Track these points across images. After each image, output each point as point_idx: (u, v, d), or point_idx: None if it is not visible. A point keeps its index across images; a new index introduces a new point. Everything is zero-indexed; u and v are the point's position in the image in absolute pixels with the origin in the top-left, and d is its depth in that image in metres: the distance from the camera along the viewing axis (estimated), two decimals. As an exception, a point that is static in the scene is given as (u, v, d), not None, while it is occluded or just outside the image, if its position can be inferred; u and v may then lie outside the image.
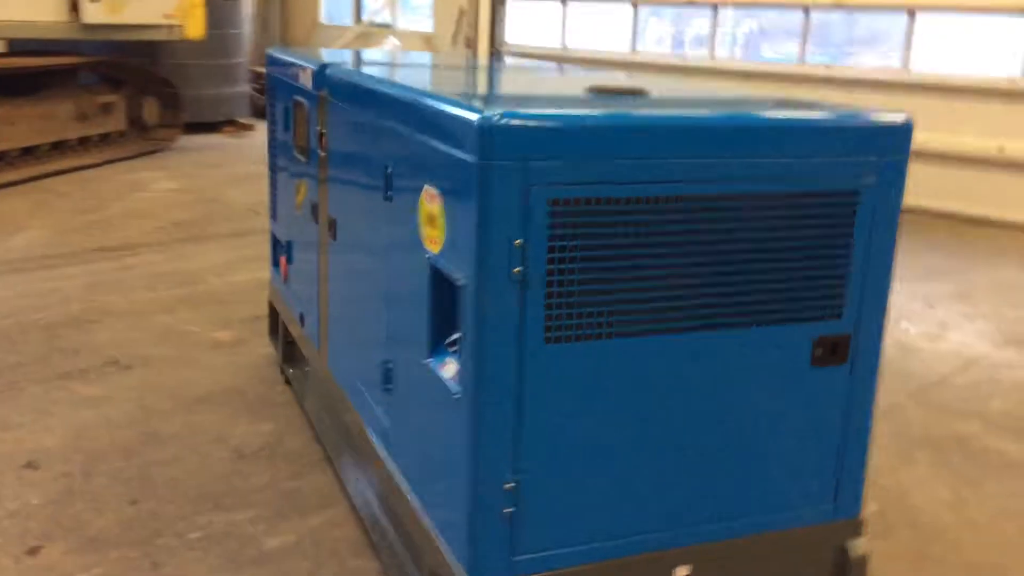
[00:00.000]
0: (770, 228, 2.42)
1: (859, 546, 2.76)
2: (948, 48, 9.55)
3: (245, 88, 13.42)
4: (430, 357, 2.53)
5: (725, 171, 2.32)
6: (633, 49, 11.44)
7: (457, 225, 2.29)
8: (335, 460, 3.69)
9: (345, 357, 3.42)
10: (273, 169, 4.54)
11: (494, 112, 2.13)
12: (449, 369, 2.44)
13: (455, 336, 2.41)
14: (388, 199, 2.78)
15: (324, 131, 3.50)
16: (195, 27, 10.45)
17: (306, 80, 3.71)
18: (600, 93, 2.75)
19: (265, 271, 6.43)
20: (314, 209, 3.73)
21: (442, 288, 2.46)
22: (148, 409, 4.25)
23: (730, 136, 2.33)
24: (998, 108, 8.90)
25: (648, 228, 2.29)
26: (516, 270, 2.20)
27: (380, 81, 2.89)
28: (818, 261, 2.50)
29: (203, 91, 12.25)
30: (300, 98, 3.83)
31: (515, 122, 2.14)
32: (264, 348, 5.00)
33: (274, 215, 4.62)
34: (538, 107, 2.25)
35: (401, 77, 3.04)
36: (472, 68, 3.94)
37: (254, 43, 14.61)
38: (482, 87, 2.94)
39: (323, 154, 3.53)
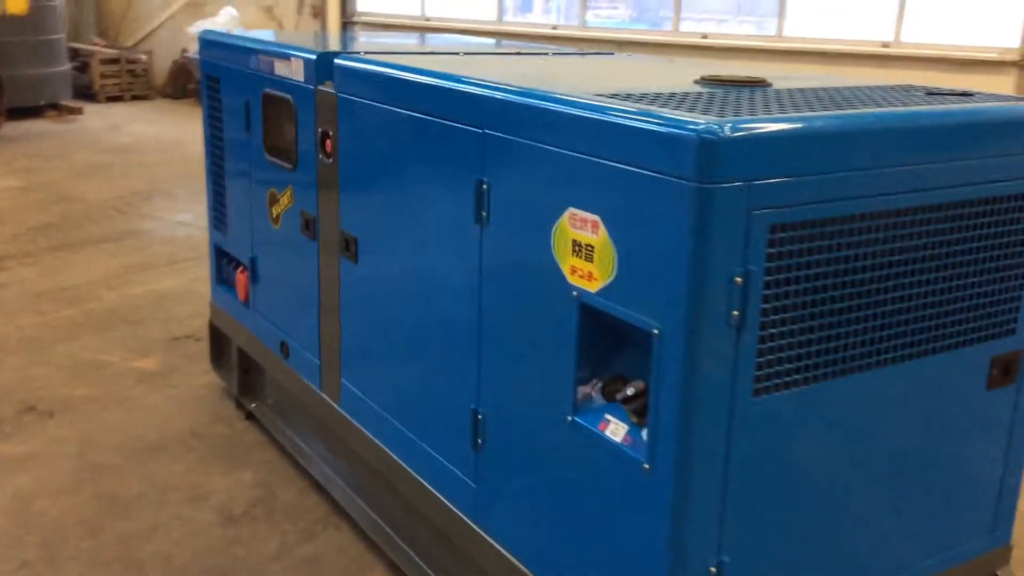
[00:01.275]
0: (965, 239, 2.12)
1: (1010, 573, 2.53)
2: (822, 14, 9.63)
3: (67, 67, 12.15)
4: (576, 414, 2.09)
5: (936, 177, 2.00)
6: (500, 18, 11.02)
7: (643, 260, 1.86)
8: (358, 515, 3.17)
9: (381, 400, 2.90)
10: (218, 173, 3.91)
11: (717, 123, 1.71)
12: (617, 431, 2.01)
13: (629, 392, 1.98)
14: (482, 221, 2.30)
15: (331, 133, 2.95)
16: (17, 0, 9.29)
17: (293, 71, 3.13)
18: (721, 84, 2.36)
19: (163, 282, 5.73)
20: (309, 224, 3.17)
21: (598, 332, 2.03)
22: (94, 466, 3.58)
23: (950, 136, 2.01)
24: (871, 72, 9.04)
25: (865, 248, 1.94)
26: (735, 313, 1.80)
27: (464, 80, 2.37)
28: (1000, 272, 2.22)
29: (22, 72, 10.96)
30: (279, 92, 3.24)
31: (742, 134, 1.72)
32: (203, 377, 4.36)
33: (219, 226, 3.98)
34: (756, 114, 1.84)
35: (460, 69, 2.53)
36: (522, 57, 3.43)
37: (67, 17, 13.27)
38: (590, 85, 2.49)
39: (328, 160, 2.98)
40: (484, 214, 2.29)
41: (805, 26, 9.57)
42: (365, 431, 3.00)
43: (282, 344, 3.50)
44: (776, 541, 2.03)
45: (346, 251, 2.96)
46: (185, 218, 7.25)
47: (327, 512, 3.30)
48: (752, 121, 1.78)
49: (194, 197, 7.94)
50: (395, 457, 2.84)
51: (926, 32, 8.94)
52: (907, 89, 2.40)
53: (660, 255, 1.81)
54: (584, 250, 2.00)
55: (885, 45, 9.04)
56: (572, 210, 2.02)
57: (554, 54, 3.43)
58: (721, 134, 1.70)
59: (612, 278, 1.94)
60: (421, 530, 2.84)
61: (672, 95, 2.14)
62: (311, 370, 3.30)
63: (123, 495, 3.38)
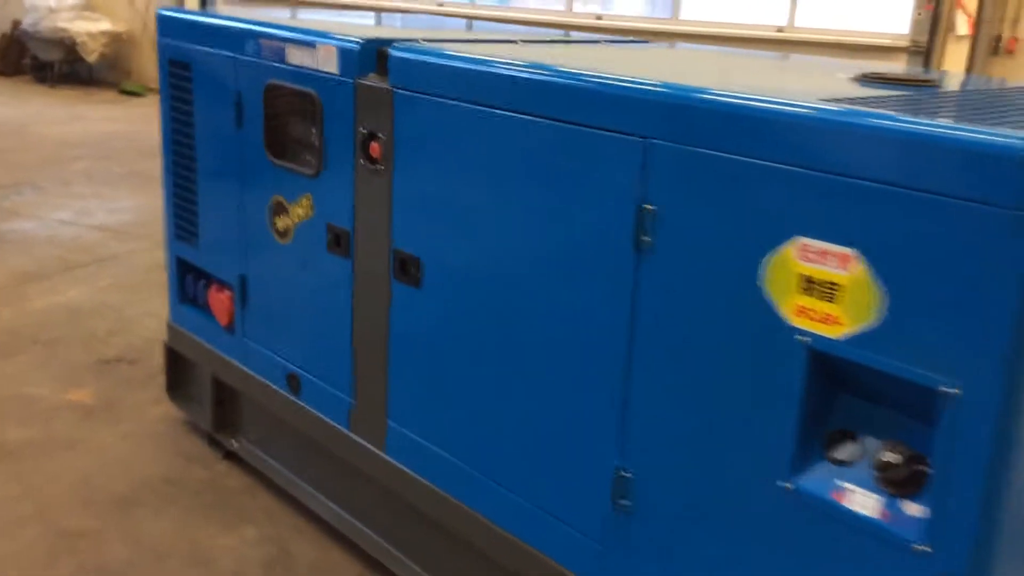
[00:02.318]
0: None
1: None
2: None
3: None
4: (797, 480, 1.77)
5: None
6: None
7: (932, 304, 1.55)
8: (406, 571, 2.75)
9: (453, 448, 2.49)
10: (184, 176, 3.34)
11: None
12: (866, 503, 1.70)
13: (889, 458, 1.67)
14: (643, 248, 1.93)
15: (382, 135, 2.50)
16: None
17: (320, 61, 2.64)
18: (897, 84, 2.07)
19: (66, 293, 5.05)
20: (340, 240, 2.70)
21: (829, 384, 1.71)
22: (63, 531, 2.99)
23: None
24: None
25: None
26: (1047, 365, 1.51)
27: (620, 80, 1.97)
28: None
29: None
30: (294, 85, 2.75)
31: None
32: (153, 408, 3.79)
33: (184, 236, 3.42)
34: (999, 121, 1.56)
35: (573, 63, 2.13)
36: (588, 46, 3.01)
37: None
38: (772, 85, 2.15)
39: (376, 167, 2.53)
40: (646, 240, 1.93)
41: (700, 9, 9.50)
42: (424, 480, 2.58)
43: (290, 377, 3.01)
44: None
45: (403, 273, 2.52)
46: (66, 215, 6.46)
47: (361, 571, 2.86)
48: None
49: (66, 190, 7.14)
50: (472, 510, 2.44)
51: (818, 18, 9.00)
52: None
53: (964, 299, 1.51)
54: (821, 288, 1.67)
55: (780, 29, 9.07)
56: (803, 240, 1.69)
57: (607, 42, 3.07)
58: (1057, 153, 1.40)
59: (871, 324, 1.62)
60: (510, 596, 2.46)
61: (886, 99, 1.84)
62: (337, 409, 2.84)
63: (111, 565, 2.83)
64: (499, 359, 2.32)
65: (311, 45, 2.67)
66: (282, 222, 2.92)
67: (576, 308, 2.11)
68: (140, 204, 6.86)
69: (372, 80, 2.52)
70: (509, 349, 2.29)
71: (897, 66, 2.41)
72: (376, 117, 2.51)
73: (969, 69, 8.44)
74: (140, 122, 9.93)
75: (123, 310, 4.82)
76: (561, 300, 2.14)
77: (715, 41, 9.11)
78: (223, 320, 3.27)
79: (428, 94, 2.36)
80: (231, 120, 3.03)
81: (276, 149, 2.89)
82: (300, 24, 2.84)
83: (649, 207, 1.91)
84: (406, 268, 2.51)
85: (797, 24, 9.02)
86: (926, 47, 8.44)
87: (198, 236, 3.34)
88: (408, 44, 2.46)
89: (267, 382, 3.12)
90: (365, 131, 2.55)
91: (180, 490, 3.24)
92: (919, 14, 8.52)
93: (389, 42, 2.53)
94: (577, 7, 9.94)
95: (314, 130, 2.73)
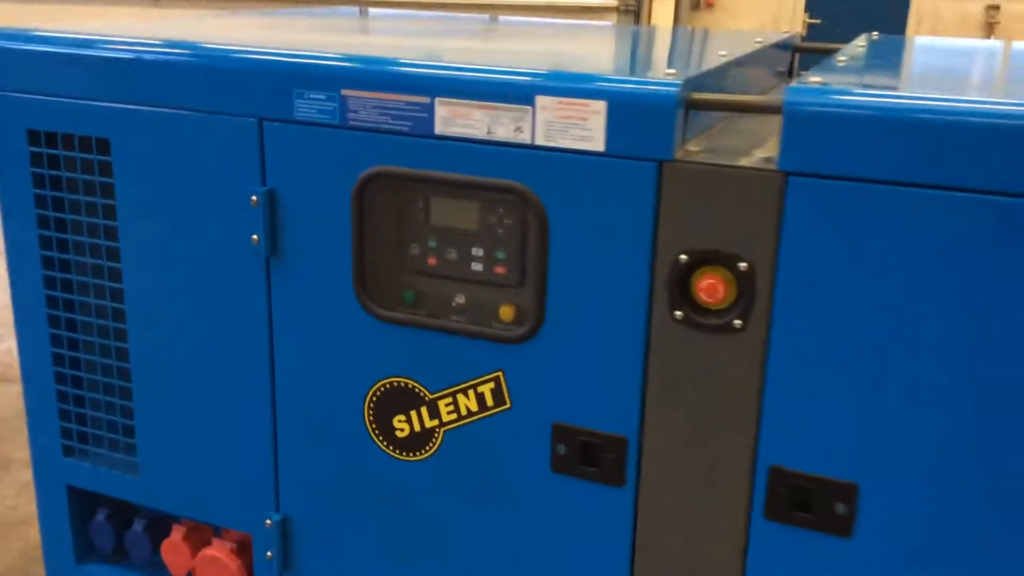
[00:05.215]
0: None
1: None
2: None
3: None
4: None
5: None
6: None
7: None
8: None
9: None
10: (90, 346, 1.78)
11: None
12: None
13: None
14: None
15: (750, 266, 1.29)
16: None
17: (552, 129, 1.33)
18: None
19: None
20: (593, 453, 1.44)
21: None
22: None
23: None
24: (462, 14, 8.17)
25: None
26: None
27: None
28: None
29: None
30: (463, 176, 1.41)
31: None
32: None
33: (91, 454, 1.85)
34: None
35: None
36: None
37: None
38: None
39: (732, 321, 1.32)
40: None
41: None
42: None
43: None
44: None
45: (800, 509, 1.35)
46: None
47: None
48: None
49: None
50: None
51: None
52: None
53: None
54: None
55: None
56: None
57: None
58: None
59: None
60: None
61: None
62: None
63: None
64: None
65: (519, 96, 1.34)
66: (409, 424, 1.55)
67: None
68: None
69: (710, 159, 1.28)
70: None
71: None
72: (722, 230, 1.29)
73: (676, 24, 8.24)
74: None
75: None
76: None
77: (417, 7, 8.06)
78: (223, 599, 1.79)
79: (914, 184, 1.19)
80: (242, 242, 1.57)
81: (386, 292, 1.51)
82: (461, 54, 1.46)
83: None
84: (809, 503, 1.34)
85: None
86: (636, 5, 8.10)
87: (135, 453, 1.80)
88: (821, 85, 1.25)
89: None
90: (685, 257, 1.31)
91: None
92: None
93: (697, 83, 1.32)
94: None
95: (503, 255, 1.42)
